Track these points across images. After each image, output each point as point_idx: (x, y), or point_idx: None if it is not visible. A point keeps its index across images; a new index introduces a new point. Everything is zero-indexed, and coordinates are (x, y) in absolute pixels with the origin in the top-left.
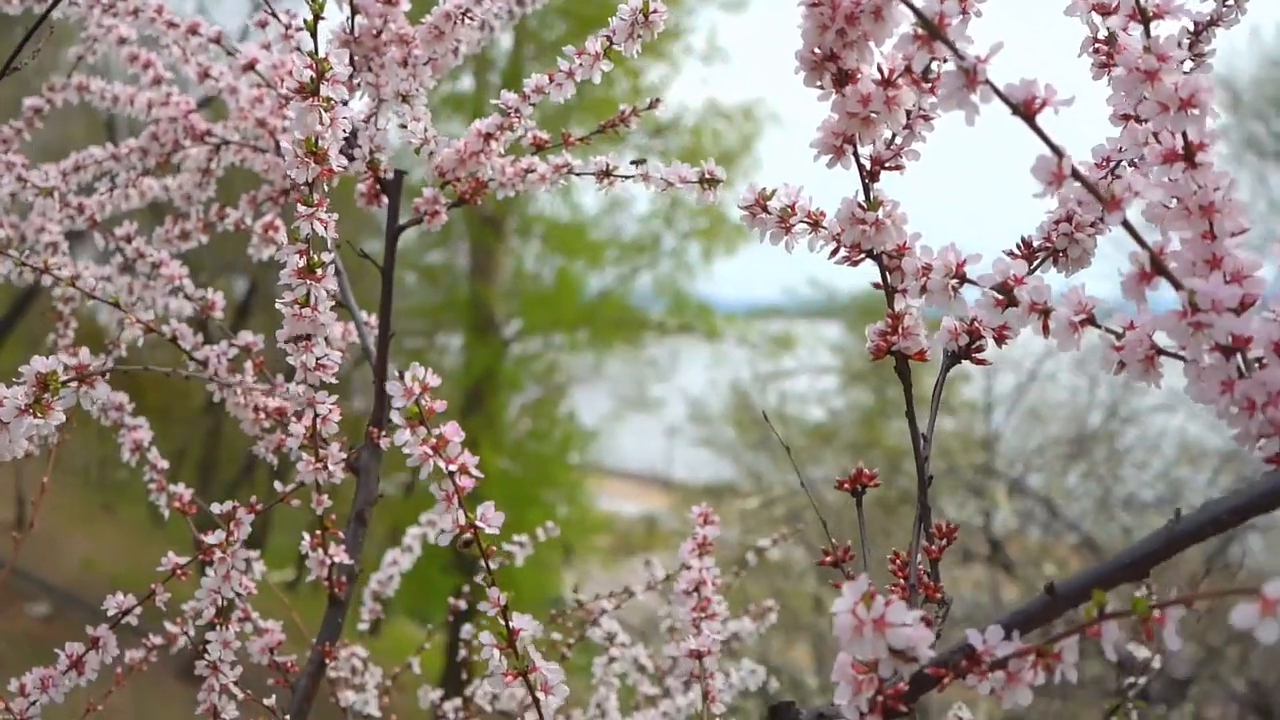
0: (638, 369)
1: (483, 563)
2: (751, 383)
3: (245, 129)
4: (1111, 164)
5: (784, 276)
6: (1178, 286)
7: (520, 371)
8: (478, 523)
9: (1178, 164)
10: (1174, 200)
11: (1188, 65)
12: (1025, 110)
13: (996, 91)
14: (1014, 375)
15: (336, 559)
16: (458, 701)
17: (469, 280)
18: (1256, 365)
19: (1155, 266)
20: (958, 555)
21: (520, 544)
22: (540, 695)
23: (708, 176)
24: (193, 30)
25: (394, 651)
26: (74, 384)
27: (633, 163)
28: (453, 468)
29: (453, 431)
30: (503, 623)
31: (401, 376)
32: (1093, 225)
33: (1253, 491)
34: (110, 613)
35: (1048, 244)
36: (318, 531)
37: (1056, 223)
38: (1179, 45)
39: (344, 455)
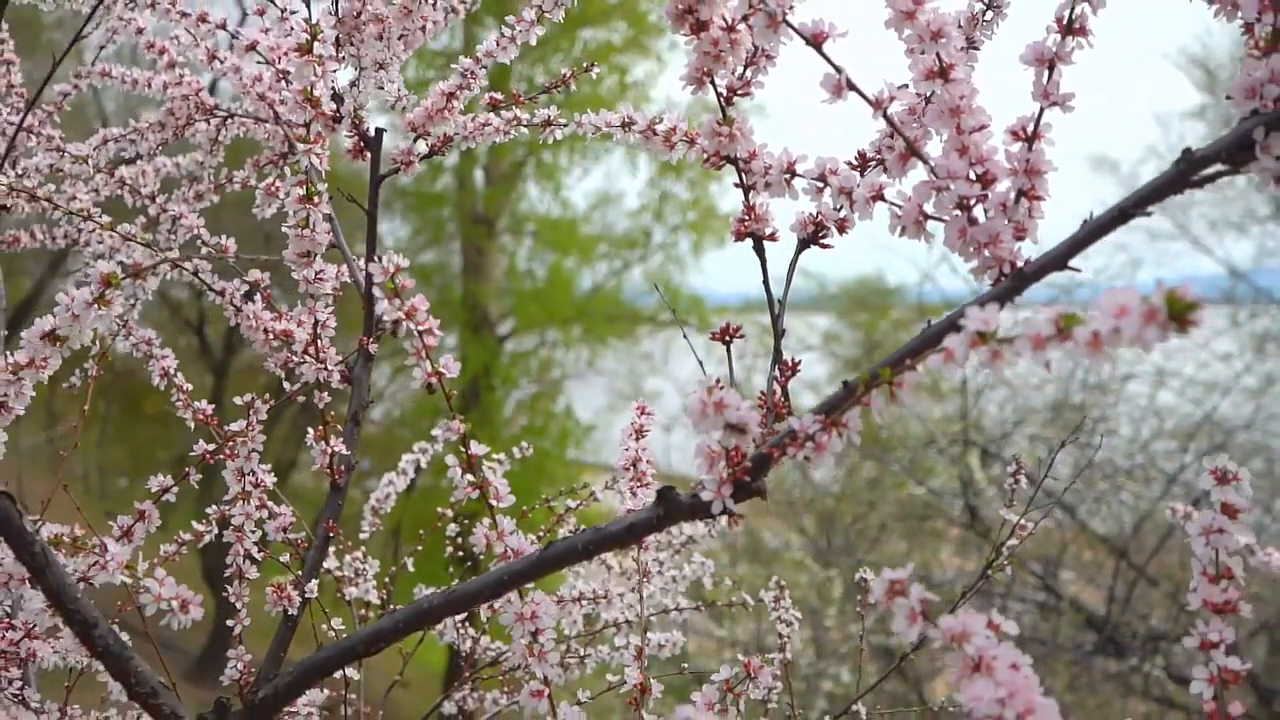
0: (632, 363)
1: (445, 403)
2: (740, 370)
3: (248, 104)
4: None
5: (775, 268)
6: (926, 163)
7: (515, 368)
8: (440, 369)
9: (936, 79)
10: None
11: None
12: (815, 40)
13: (792, 28)
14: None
15: (337, 450)
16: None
17: (462, 279)
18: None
19: (910, 150)
20: (951, 539)
21: (499, 461)
22: (493, 503)
23: (626, 120)
24: (202, 19)
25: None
26: (130, 279)
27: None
28: (422, 328)
29: (421, 302)
30: (463, 449)
31: (381, 260)
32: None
33: (988, 294)
34: (153, 490)
35: (878, 155)
36: (320, 426)
37: (883, 137)
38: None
39: (340, 359)
